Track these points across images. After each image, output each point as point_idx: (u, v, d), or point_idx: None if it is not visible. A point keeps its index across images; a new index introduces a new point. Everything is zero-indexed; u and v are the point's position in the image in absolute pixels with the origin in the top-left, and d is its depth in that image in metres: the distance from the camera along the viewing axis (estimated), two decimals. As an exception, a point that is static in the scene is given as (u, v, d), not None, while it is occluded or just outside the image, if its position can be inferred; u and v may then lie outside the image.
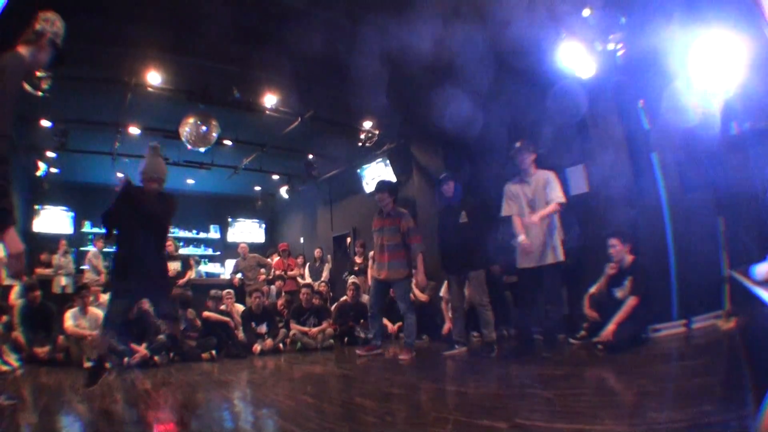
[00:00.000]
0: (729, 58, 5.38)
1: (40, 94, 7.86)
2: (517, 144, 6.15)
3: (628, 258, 5.96)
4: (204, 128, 9.32)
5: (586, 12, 6.55)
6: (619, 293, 5.90)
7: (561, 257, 5.83)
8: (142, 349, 7.20)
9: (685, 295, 6.36)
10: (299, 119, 10.48)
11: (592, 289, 6.23)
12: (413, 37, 6.80)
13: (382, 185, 7.03)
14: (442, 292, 8.43)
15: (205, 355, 7.76)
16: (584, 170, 7.86)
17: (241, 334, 8.44)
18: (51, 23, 3.11)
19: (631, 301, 5.61)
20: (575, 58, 6.89)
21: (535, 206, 5.93)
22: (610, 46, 6.62)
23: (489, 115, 7.98)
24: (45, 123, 9.89)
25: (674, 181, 6.78)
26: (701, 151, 6.18)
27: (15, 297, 8.44)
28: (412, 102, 9.66)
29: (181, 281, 10.15)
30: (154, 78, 8.62)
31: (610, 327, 5.49)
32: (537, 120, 7.74)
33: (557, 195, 5.83)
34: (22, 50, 2.97)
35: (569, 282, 7.01)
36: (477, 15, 6.55)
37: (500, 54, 6.93)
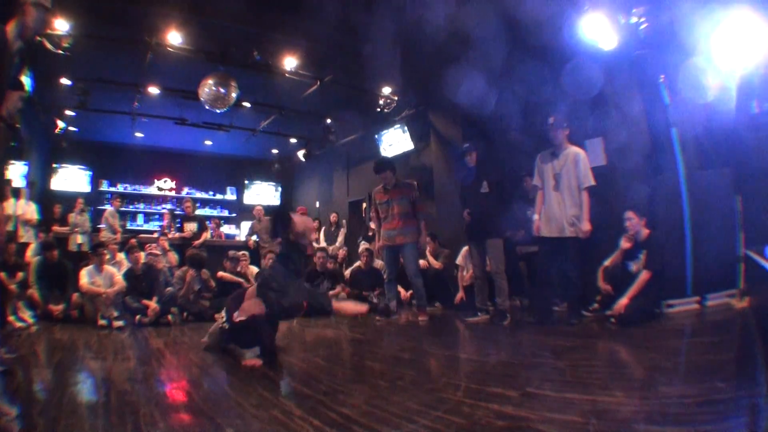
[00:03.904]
0: (750, 37, 5.30)
1: (60, 52, 7.86)
2: (550, 120, 6.25)
3: (644, 232, 5.95)
4: (223, 89, 9.29)
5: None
6: (633, 267, 5.90)
7: (582, 234, 5.91)
8: (153, 304, 7.33)
9: (700, 272, 6.35)
10: (318, 83, 10.41)
11: (607, 262, 6.24)
12: (434, 6, 6.73)
13: (383, 165, 7.37)
14: (459, 260, 8.46)
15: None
16: (602, 143, 7.78)
17: (254, 296, 8.50)
18: None
19: (645, 275, 5.61)
20: (598, 30, 6.83)
21: (560, 180, 6.09)
22: (633, 20, 6.57)
23: (506, 87, 7.90)
24: (65, 81, 9.91)
25: (693, 157, 6.71)
26: (720, 128, 6.12)
27: (31, 254, 8.54)
28: (431, 70, 9.57)
29: (197, 242, 10.25)
30: (174, 38, 8.57)
31: (623, 300, 5.51)
32: (554, 93, 7.67)
33: (587, 179, 5.98)
34: (9, 26, 3.00)
35: (584, 254, 7.03)
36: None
37: (520, 25, 6.83)
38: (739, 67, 5.57)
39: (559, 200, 6.07)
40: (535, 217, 6.29)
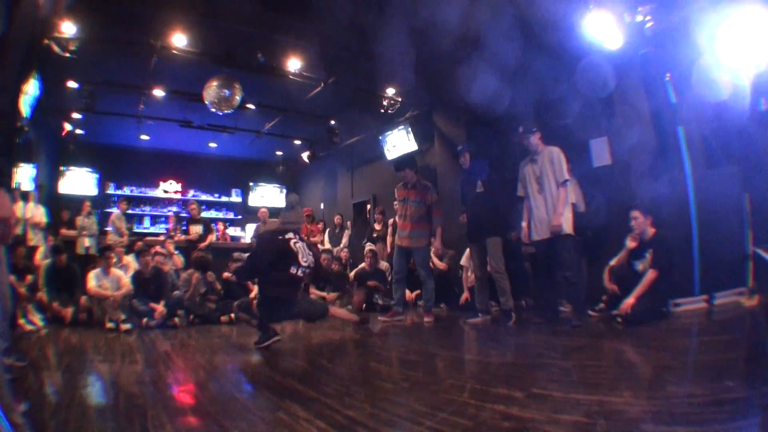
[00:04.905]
0: (760, 34, 5.27)
1: (67, 55, 7.88)
2: (520, 129, 6.37)
3: (650, 231, 5.91)
4: (227, 91, 9.30)
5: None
6: (639, 266, 5.87)
7: (569, 230, 5.98)
8: (160, 307, 7.36)
9: (708, 270, 6.32)
10: (322, 84, 10.40)
11: (613, 262, 6.22)
12: (439, 6, 6.72)
13: (404, 162, 7.35)
14: (463, 260, 8.44)
15: (224, 318, 7.84)
16: (608, 142, 7.77)
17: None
18: None
19: (651, 275, 5.57)
20: (603, 29, 6.83)
21: (543, 183, 6.18)
22: (639, 18, 6.58)
23: (514, 87, 7.89)
24: (72, 84, 9.93)
25: (700, 156, 6.69)
26: (729, 126, 6.09)
27: (40, 258, 8.57)
28: (435, 70, 9.56)
29: (202, 245, 10.27)
30: (179, 40, 8.59)
31: (630, 300, 5.47)
32: (563, 94, 7.65)
33: (562, 174, 6.04)
34: None
35: (590, 254, 7.01)
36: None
37: (527, 26, 6.83)
38: (750, 65, 5.54)
39: (545, 203, 6.14)
40: (523, 224, 6.39)
